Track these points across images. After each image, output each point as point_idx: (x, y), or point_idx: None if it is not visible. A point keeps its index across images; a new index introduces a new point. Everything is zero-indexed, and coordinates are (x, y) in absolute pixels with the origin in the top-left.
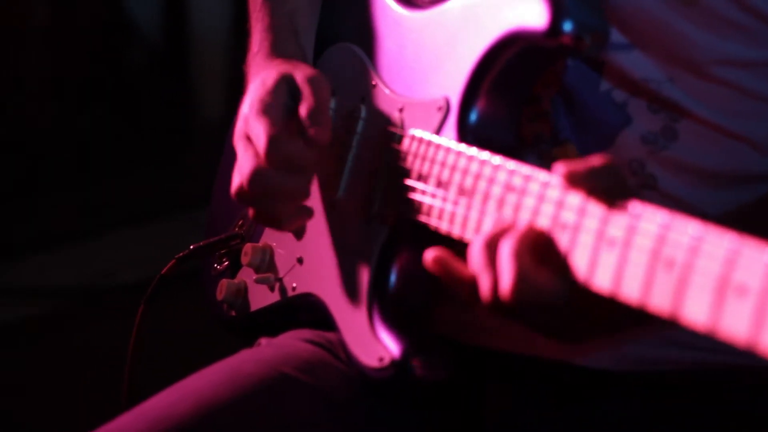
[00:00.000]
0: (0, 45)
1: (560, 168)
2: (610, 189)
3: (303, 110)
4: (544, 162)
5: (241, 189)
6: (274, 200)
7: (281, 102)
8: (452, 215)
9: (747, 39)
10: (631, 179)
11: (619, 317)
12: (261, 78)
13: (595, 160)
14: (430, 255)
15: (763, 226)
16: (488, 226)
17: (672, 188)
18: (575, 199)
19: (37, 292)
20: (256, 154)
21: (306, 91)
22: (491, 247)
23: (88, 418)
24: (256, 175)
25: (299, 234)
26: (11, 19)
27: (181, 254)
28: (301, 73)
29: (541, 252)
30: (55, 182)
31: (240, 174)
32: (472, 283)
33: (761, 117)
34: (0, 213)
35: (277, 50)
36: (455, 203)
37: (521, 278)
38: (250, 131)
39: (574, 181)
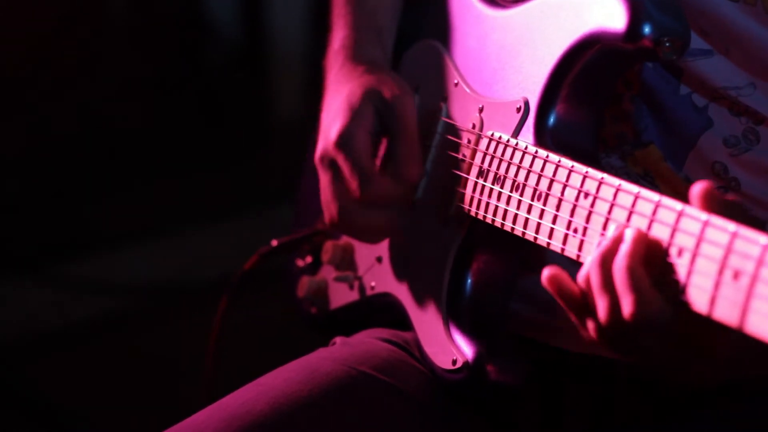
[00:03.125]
0: (79, 43)
1: (700, 185)
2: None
3: (397, 143)
4: (627, 163)
5: (333, 224)
6: (366, 232)
7: (368, 130)
8: (526, 219)
9: None
10: (714, 181)
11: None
12: (346, 94)
13: (729, 195)
14: (545, 273)
15: None
16: (600, 245)
17: (755, 191)
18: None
19: (115, 288)
20: (343, 189)
21: (395, 116)
22: (605, 266)
23: (166, 414)
24: (344, 214)
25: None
26: (89, 18)
27: (264, 249)
28: (388, 90)
29: (654, 266)
30: (134, 179)
31: (330, 208)
32: (583, 304)
33: None
34: (80, 209)
35: (361, 52)
36: (530, 207)
37: (638, 293)
38: (340, 162)
39: (710, 201)
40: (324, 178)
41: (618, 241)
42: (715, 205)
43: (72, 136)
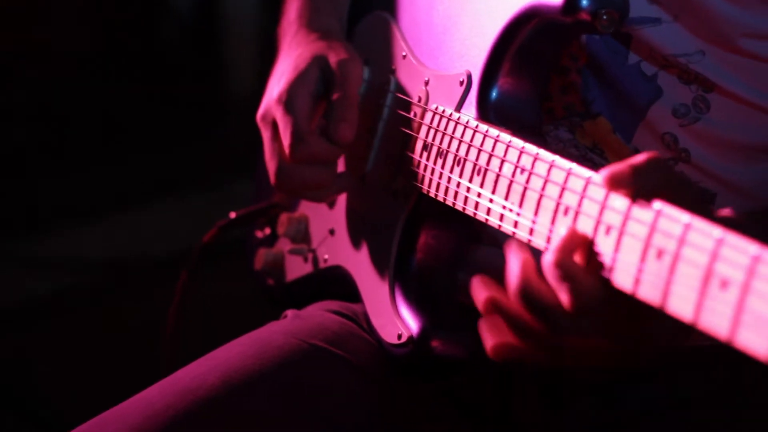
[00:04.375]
0: (29, 17)
1: (603, 173)
2: (659, 186)
3: (334, 103)
4: (576, 135)
5: (272, 183)
6: (304, 190)
7: (310, 91)
8: (466, 194)
9: None
10: (664, 153)
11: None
12: (294, 57)
13: (639, 158)
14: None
15: None
16: (557, 242)
17: (705, 161)
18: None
19: (73, 264)
20: (280, 149)
21: (337, 80)
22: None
23: (124, 388)
24: (281, 174)
25: (332, 204)
26: None
27: (222, 222)
28: (335, 56)
29: (584, 251)
30: (89, 155)
31: (268, 167)
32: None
33: None
34: (36, 186)
35: (316, 21)
36: (470, 182)
37: (572, 282)
38: (278, 120)
39: (617, 184)
40: (264, 136)
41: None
42: (622, 183)
43: (29, 114)
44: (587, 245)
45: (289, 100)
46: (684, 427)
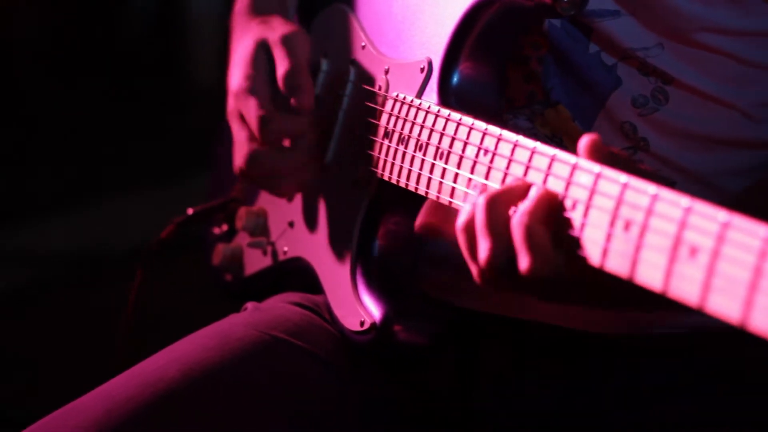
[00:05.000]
0: None
1: (586, 137)
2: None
3: (279, 75)
4: (535, 124)
5: (241, 170)
6: (274, 177)
7: (264, 74)
8: (429, 179)
9: (734, 7)
10: (623, 142)
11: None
12: (243, 47)
13: (616, 149)
14: (418, 221)
15: None
16: (494, 187)
17: (663, 150)
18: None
19: (30, 259)
20: (251, 135)
21: (279, 55)
22: (493, 210)
23: (83, 383)
24: (252, 159)
25: (291, 197)
26: None
27: (179, 219)
28: (274, 35)
29: (552, 223)
30: (47, 150)
31: (238, 156)
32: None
33: (751, 84)
34: None
35: (258, 9)
36: (432, 166)
37: (537, 252)
38: (242, 110)
39: (595, 152)
40: (234, 130)
41: (510, 191)
42: (601, 156)
43: None
44: (555, 218)
45: (246, 91)
46: (646, 417)
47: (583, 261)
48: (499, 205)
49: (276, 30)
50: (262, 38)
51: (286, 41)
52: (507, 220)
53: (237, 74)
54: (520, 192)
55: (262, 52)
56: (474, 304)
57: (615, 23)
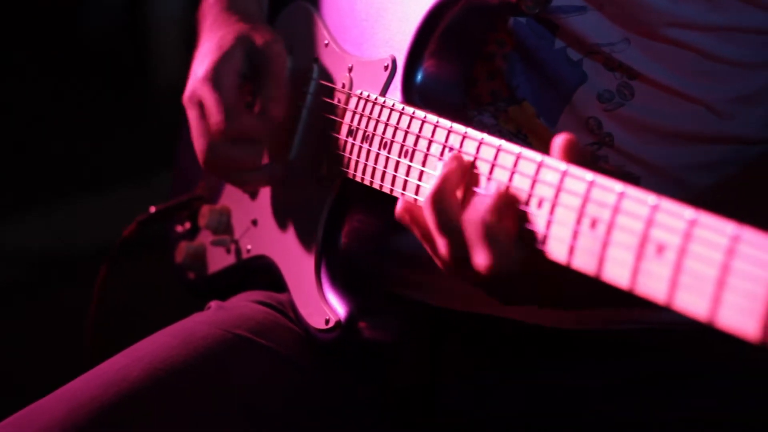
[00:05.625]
0: None
1: (563, 135)
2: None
3: (263, 81)
4: (499, 121)
5: (199, 154)
6: (231, 170)
7: (236, 69)
8: (394, 176)
9: (701, 2)
10: (588, 138)
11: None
12: (218, 38)
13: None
14: (399, 205)
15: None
16: (435, 183)
17: (629, 145)
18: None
19: None
20: (209, 127)
21: (265, 59)
22: (438, 206)
23: (47, 383)
24: (210, 152)
25: (254, 195)
26: None
27: (142, 217)
28: (260, 37)
29: (515, 219)
30: (9, 148)
31: (197, 146)
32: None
33: (718, 80)
34: None
35: (236, 4)
36: (397, 164)
37: (495, 248)
38: (204, 100)
39: (570, 151)
40: (192, 116)
41: (445, 178)
42: (575, 156)
43: None
44: (519, 214)
45: (215, 78)
46: (614, 414)
47: (549, 258)
48: (443, 201)
49: (262, 33)
50: (245, 36)
51: (272, 48)
52: (457, 213)
53: (207, 61)
54: (457, 177)
55: (240, 48)
56: (440, 301)
57: (581, 19)
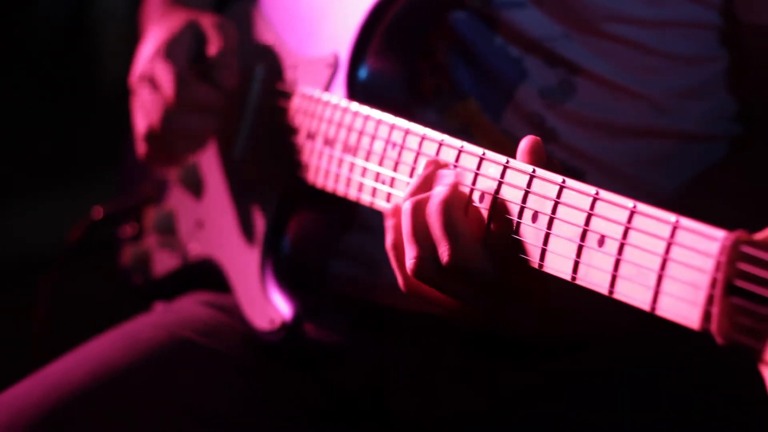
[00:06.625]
0: None
1: (528, 138)
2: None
3: (212, 51)
4: (444, 116)
5: (151, 132)
6: (184, 140)
7: (186, 48)
8: (337, 174)
9: None
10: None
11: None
12: (165, 24)
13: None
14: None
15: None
16: (411, 187)
17: (573, 141)
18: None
19: None
20: (163, 98)
21: (214, 34)
22: (418, 212)
23: None
24: (166, 122)
25: (199, 196)
26: None
27: (88, 219)
28: (207, 20)
29: (465, 211)
30: None
31: (148, 118)
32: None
33: (659, 74)
34: None
35: (182, 1)
36: (340, 161)
37: (454, 239)
38: (156, 74)
39: (534, 152)
40: (142, 94)
41: (429, 178)
42: (539, 159)
43: None
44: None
45: (167, 52)
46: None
47: (497, 250)
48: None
49: (210, 18)
50: (193, 20)
51: (221, 26)
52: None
53: (156, 42)
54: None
55: (190, 31)
56: (387, 301)
57: (521, 14)
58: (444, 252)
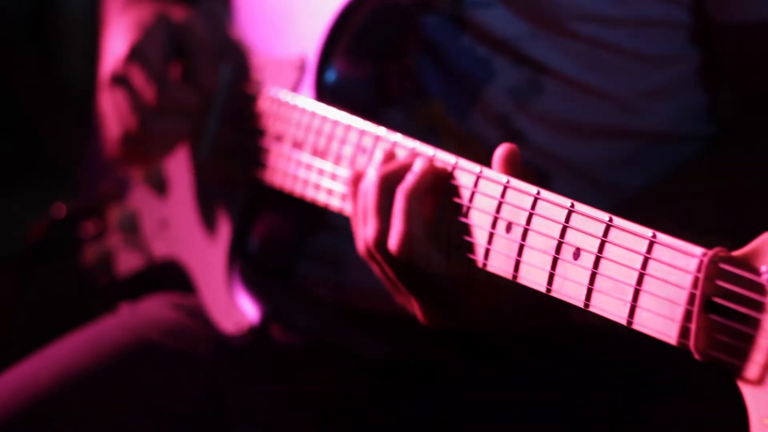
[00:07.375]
0: None
1: (505, 146)
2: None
3: (189, 48)
4: (410, 118)
5: (127, 135)
6: (162, 142)
7: (160, 46)
8: (306, 179)
9: None
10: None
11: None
12: (134, 17)
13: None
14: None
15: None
16: (386, 166)
17: (541, 141)
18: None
19: None
20: (142, 101)
21: (188, 31)
22: (385, 188)
23: None
24: (145, 122)
25: (165, 196)
26: None
27: (50, 217)
28: (178, 15)
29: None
30: None
31: (125, 121)
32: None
33: (627, 74)
34: None
35: None
36: (309, 166)
37: (409, 227)
38: (132, 77)
39: (511, 162)
40: (117, 96)
41: (405, 167)
42: (515, 168)
43: None
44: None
45: (141, 53)
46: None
47: (468, 263)
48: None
49: (178, 12)
50: (163, 15)
51: (191, 23)
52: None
53: (127, 38)
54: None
55: (162, 28)
56: (356, 301)
57: (487, 14)
58: (395, 236)
